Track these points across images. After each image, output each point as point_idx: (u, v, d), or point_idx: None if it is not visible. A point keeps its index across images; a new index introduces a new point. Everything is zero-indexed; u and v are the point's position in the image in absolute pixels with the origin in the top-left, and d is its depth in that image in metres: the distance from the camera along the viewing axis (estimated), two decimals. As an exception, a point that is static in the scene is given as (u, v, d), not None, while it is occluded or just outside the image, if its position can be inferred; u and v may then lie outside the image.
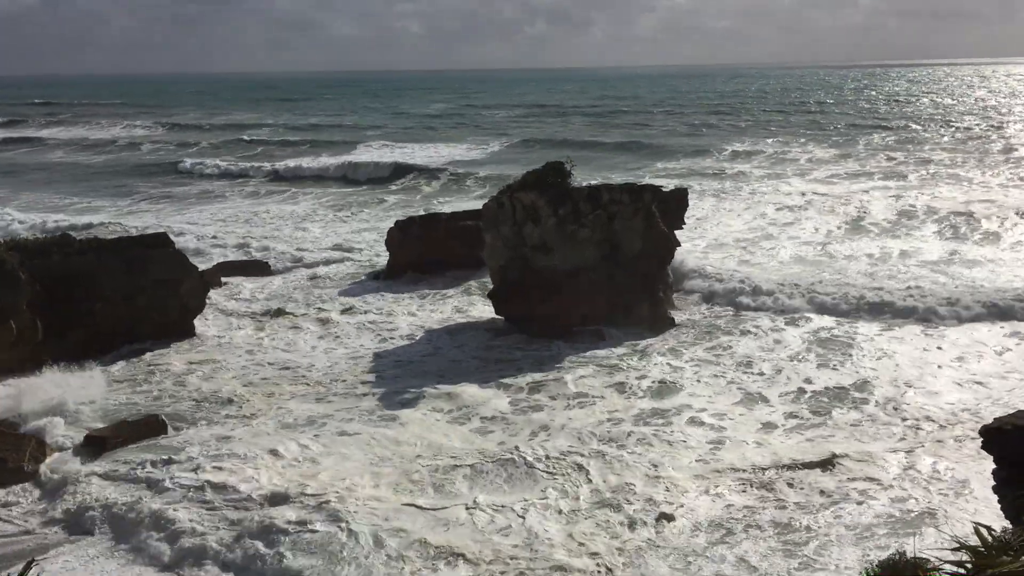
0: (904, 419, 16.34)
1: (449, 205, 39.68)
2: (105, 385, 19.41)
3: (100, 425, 17.09)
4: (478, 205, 30.00)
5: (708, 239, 31.83)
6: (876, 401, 17.27)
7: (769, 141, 64.79)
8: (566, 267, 22.01)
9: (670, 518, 13.03)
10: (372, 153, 63.79)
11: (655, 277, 22.67)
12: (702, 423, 16.57)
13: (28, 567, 4.87)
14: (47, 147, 79.90)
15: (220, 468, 14.93)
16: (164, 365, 20.68)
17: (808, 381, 18.45)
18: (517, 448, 15.54)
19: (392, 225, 29.36)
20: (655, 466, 14.78)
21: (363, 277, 28.36)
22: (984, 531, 4.95)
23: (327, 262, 30.35)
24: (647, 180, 37.13)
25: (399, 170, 52.20)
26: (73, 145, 79.70)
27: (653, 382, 18.76)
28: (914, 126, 72.46)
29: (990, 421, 9.03)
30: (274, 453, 15.43)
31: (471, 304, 25.10)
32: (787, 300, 23.35)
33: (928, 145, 59.61)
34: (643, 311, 22.22)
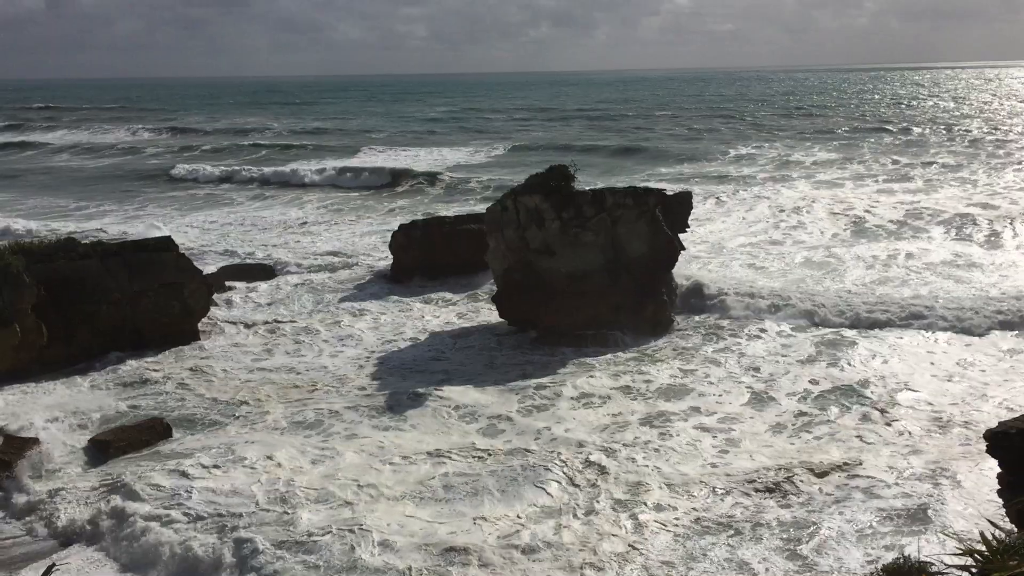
0: (909, 421, 16.31)
1: (452, 209, 39.69)
2: (109, 389, 19.45)
3: (104, 429, 17.11)
4: (481, 209, 30.06)
5: (712, 242, 31.82)
6: (881, 403, 17.24)
7: (773, 144, 64.77)
8: (570, 270, 22.02)
9: (678, 519, 13.03)
10: (375, 157, 63.91)
11: (659, 280, 22.66)
12: (710, 426, 16.57)
13: (48, 572, 4.89)
14: (43, 151, 79.69)
15: (225, 472, 14.93)
16: (168, 369, 20.71)
17: (815, 382, 18.45)
18: (525, 450, 15.54)
19: (396, 229, 29.41)
20: (663, 468, 14.78)
21: (366, 280, 28.38)
22: (989, 535, 4.94)
23: (330, 266, 30.38)
24: (651, 184, 37.17)
25: (402, 174, 52.18)
26: (70, 150, 79.41)
27: (660, 384, 18.77)
28: (919, 129, 72.40)
29: (995, 425, 9.04)
30: (280, 457, 15.43)
31: (475, 307, 25.12)
32: (793, 305, 23.30)
33: (933, 148, 59.57)
34: (647, 314, 22.21)
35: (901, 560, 5.70)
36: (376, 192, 48.40)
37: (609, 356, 20.61)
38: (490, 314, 23.66)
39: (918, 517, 12.84)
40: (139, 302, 21.98)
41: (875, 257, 28.94)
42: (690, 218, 24.84)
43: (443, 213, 35.46)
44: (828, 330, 21.81)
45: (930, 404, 17.10)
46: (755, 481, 14.14)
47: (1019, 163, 49.91)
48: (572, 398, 18.15)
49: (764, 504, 13.48)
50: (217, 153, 71.41)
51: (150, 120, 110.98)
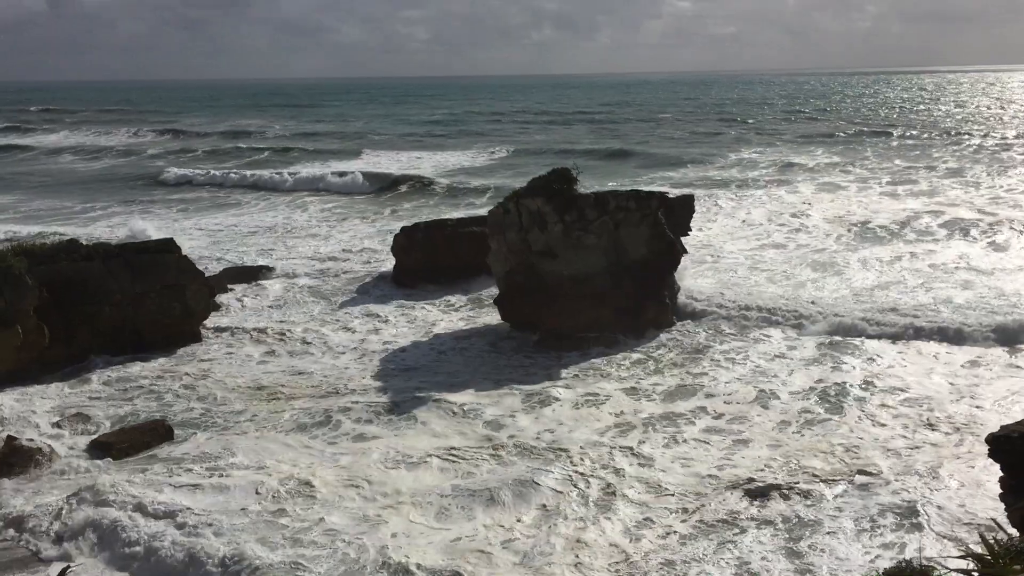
0: (911, 422, 16.31)
1: (454, 211, 39.73)
2: (111, 391, 19.47)
3: (106, 431, 17.13)
4: (483, 212, 30.08)
5: (715, 246, 31.82)
6: (882, 404, 17.25)
7: (775, 147, 64.82)
8: (572, 273, 22.03)
9: (681, 519, 13.06)
10: (376, 160, 63.92)
11: (661, 284, 22.68)
12: (713, 426, 16.61)
13: (63, 574, 4.90)
14: (38, 153, 79.51)
15: (227, 475, 14.95)
16: (171, 370, 20.72)
17: (817, 384, 18.48)
18: (529, 451, 15.57)
19: (397, 231, 29.43)
20: (666, 468, 14.83)
21: (368, 283, 28.40)
22: (991, 539, 4.95)
23: (332, 268, 30.40)
24: (653, 187, 37.20)
25: (403, 177, 52.22)
26: (68, 151, 79.27)
27: (663, 386, 18.80)
28: (921, 132, 72.43)
29: (995, 429, 9.03)
30: (283, 460, 15.45)
31: (477, 310, 25.13)
32: (796, 310, 23.28)
33: (936, 151, 59.61)
34: (649, 317, 22.23)
35: (903, 564, 5.71)
36: (377, 195, 48.40)
37: (611, 358, 20.62)
38: (492, 317, 23.67)
39: (918, 518, 12.85)
40: (141, 303, 22.00)
41: (879, 260, 28.93)
42: (692, 221, 24.88)
43: (444, 216, 35.49)
44: (834, 333, 21.72)
45: (932, 407, 17.10)
46: (757, 481, 14.15)
47: (1023, 167, 49.93)
48: (576, 400, 18.16)
49: (765, 504, 13.49)
50: (218, 155, 71.36)
51: (150, 122, 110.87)
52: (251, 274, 29.25)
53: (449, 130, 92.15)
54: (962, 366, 19.45)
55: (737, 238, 33.40)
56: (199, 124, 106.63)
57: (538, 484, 14.32)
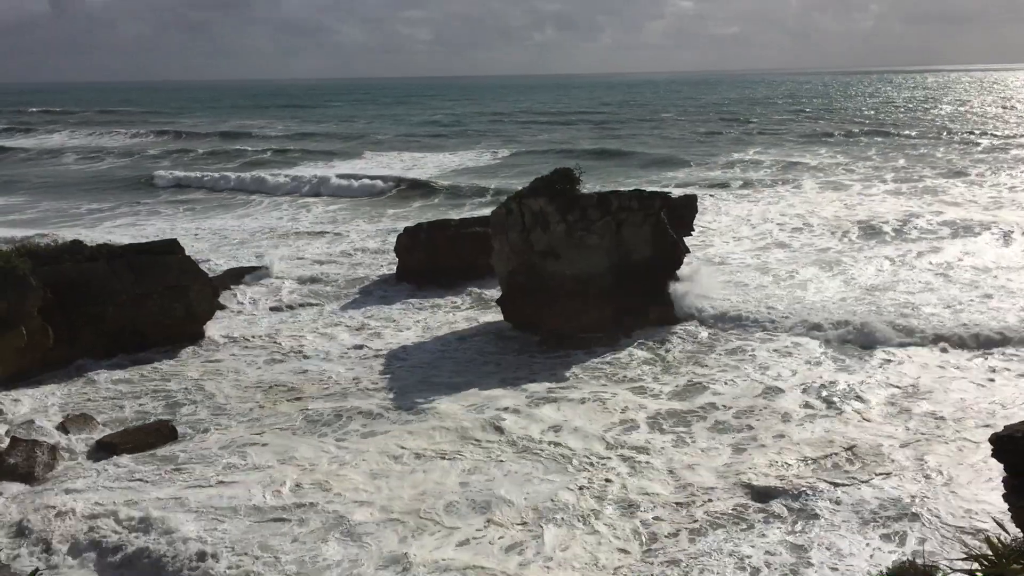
0: (912, 423, 16.31)
1: (456, 212, 39.75)
2: (114, 391, 19.50)
3: (110, 431, 17.15)
4: (485, 212, 30.10)
5: (718, 246, 31.82)
6: (889, 402, 17.27)
7: (778, 147, 64.81)
8: (574, 273, 22.04)
9: (685, 516, 13.10)
10: (377, 160, 63.97)
11: (664, 284, 22.68)
12: (717, 425, 16.66)
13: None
14: (39, 155, 79.47)
15: (230, 476, 14.98)
16: (174, 371, 20.76)
17: (820, 383, 18.50)
18: (535, 450, 15.61)
19: (401, 231, 29.46)
20: (670, 465, 14.90)
21: (371, 283, 28.43)
22: (995, 539, 4.97)
23: (335, 269, 30.42)
24: (656, 187, 37.18)
25: (405, 178, 52.20)
26: (68, 153, 79.17)
27: (665, 384, 18.85)
28: (924, 132, 72.38)
29: (1000, 429, 9.03)
30: (288, 459, 15.47)
31: (480, 310, 25.15)
32: (801, 309, 23.27)
33: (939, 151, 59.60)
34: (652, 318, 22.24)
35: (907, 563, 5.73)
36: (379, 196, 48.40)
37: (615, 358, 20.62)
38: (495, 317, 23.69)
39: (922, 517, 12.88)
40: (144, 304, 22.03)
41: (884, 259, 28.93)
42: (695, 221, 24.88)
43: (447, 216, 35.51)
44: (838, 334, 21.70)
45: (937, 406, 17.09)
46: (762, 479, 14.17)
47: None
48: (580, 398, 18.19)
49: (770, 502, 13.52)
50: (219, 156, 71.33)
51: (150, 123, 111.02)
52: (254, 275, 29.26)
53: (451, 130, 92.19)
54: (968, 366, 19.41)
55: (740, 237, 33.39)
56: (200, 125, 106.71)
57: (544, 482, 14.36)
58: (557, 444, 15.97)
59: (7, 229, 38.84)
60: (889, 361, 19.87)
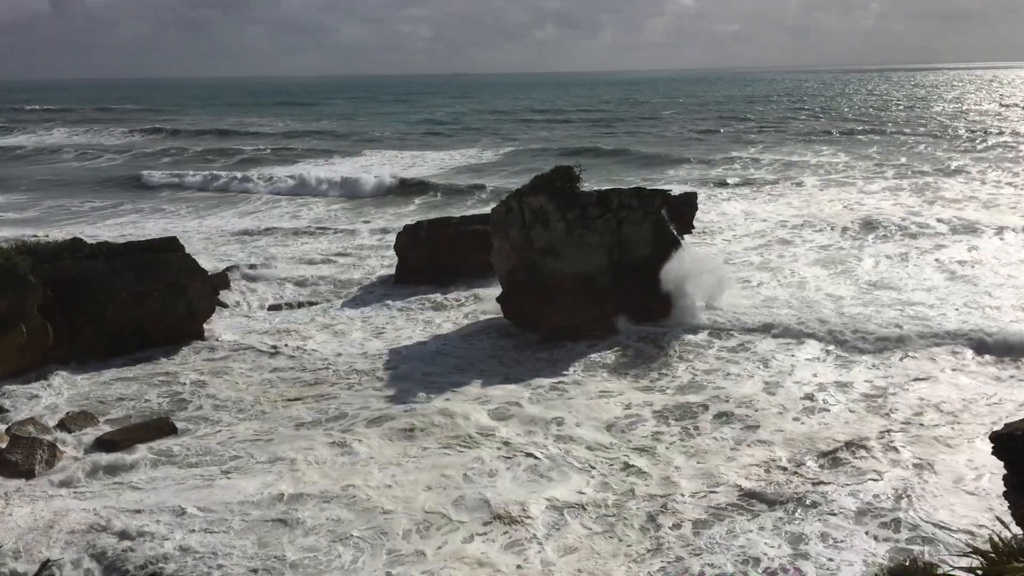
0: (918, 418, 16.32)
1: (456, 210, 39.72)
2: (115, 389, 19.49)
3: (111, 429, 17.15)
4: (485, 210, 30.09)
5: (719, 245, 31.78)
6: (890, 399, 17.29)
7: (779, 145, 64.80)
8: (574, 271, 22.03)
9: (689, 509, 13.14)
10: (378, 158, 63.93)
11: (664, 281, 22.64)
12: (721, 419, 16.71)
13: (44, 567, 4.92)
14: (38, 153, 79.23)
15: (231, 473, 14.97)
16: (174, 368, 20.75)
17: (822, 382, 18.51)
18: (540, 445, 15.63)
19: (401, 229, 29.45)
20: (672, 461, 14.92)
21: (372, 282, 28.43)
22: (996, 536, 4.96)
23: (335, 267, 30.43)
24: (656, 185, 37.16)
25: (405, 176, 52.17)
26: (67, 150, 78.94)
27: (670, 381, 18.88)
28: (926, 129, 72.35)
29: (1000, 426, 9.03)
30: (289, 457, 15.47)
31: (480, 308, 25.13)
32: (803, 306, 23.25)
33: (941, 148, 59.59)
34: (652, 315, 22.22)
35: (908, 560, 5.72)
36: (379, 194, 48.35)
37: (616, 354, 20.63)
38: (495, 314, 23.68)
39: (923, 514, 12.89)
40: (144, 302, 22.01)
41: (886, 257, 28.93)
42: (695, 219, 24.88)
43: (447, 214, 35.51)
44: (839, 334, 21.66)
45: (938, 403, 17.10)
46: (764, 473, 14.20)
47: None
48: (582, 394, 18.22)
49: (772, 496, 13.54)
50: (219, 154, 71.21)
51: (150, 121, 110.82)
52: (254, 274, 29.25)
53: (451, 128, 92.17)
54: (969, 364, 19.42)
55: (741, 235, 33.33)
56: (200, 122, 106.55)
57: (547, 478, 14.39)
58: (560, 439, 16.00)
59: (14, 229, 39.05)
60: (890, 359, 19.88)
